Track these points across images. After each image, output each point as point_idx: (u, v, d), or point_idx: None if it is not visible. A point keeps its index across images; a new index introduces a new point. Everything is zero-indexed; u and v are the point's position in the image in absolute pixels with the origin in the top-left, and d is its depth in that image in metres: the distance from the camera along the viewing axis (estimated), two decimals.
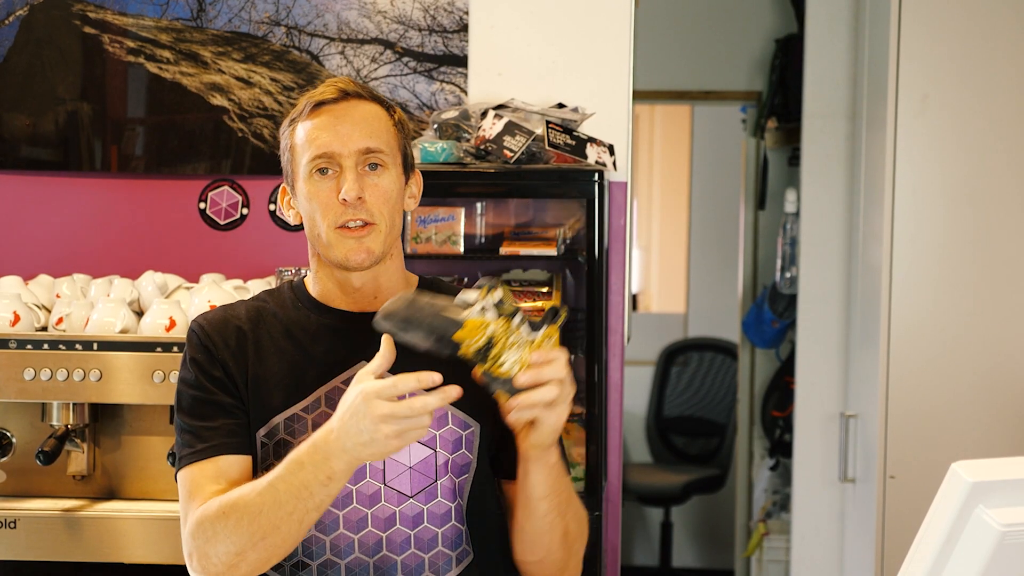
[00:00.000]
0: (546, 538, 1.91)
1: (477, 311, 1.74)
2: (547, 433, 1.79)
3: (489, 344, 1.73)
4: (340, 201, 1.88)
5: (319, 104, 1.92)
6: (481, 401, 1.91)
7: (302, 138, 1.92)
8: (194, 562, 1.84)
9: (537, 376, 1.73)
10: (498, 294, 1.75)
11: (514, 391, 1.74)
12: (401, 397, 1.71)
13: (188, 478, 1.88)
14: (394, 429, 1.69)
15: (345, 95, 1.93)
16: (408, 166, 1.99)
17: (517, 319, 1.75)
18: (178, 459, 1.91)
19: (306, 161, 1.91)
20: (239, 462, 1.90)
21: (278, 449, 1.90)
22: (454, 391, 1.72)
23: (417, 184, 2.02)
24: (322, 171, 1.90)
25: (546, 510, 1.88)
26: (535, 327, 1.76)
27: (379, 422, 1.69)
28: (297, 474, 1.75)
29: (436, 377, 1.70)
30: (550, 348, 1.76)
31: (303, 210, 1.94)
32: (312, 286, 2.00)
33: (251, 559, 1.79)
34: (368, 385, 1.71)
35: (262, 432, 1.92)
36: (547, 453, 1.83)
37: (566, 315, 1.78)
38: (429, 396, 1.70)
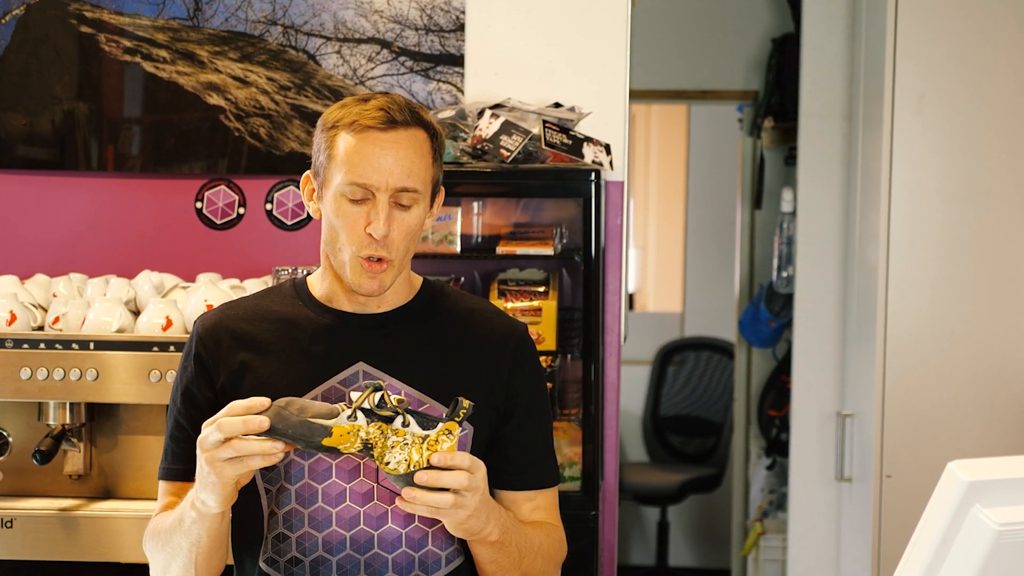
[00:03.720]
0: None
1: (345, 418, 1.73)
2: (453, 529, 1.81)
3: (368, 447, 1.74)
4: (366, 234, 1.89)
5: (367, 127, 1.90)
6: (478, 407, 1.91)
7: (341, 154, 1.90)
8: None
9: (436, 480, 1.74)
10: (376, 398, 1.74)
11: (412, 484, 1.74)
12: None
13: (160, 487, 2.03)
14: (222, 454, 1.74)
15: (393, 124, 1.90)
16: (435, 191, 1.99)
17: (398, 421, 1.74)
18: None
19: (340, 180, 1.90)
20: None
21: None
22: (259, 402, 1.75)
23: (438, 202, 2.01)
24: (354, 196, 1.90)
25: (493, 570, 1.93)
26: (429, 423, 1.76)
27: (205, 450, 1.75)
28: (180, 512, 1.87)
29: (264, 401, 1.75)
30: (451, 445, 1.75)
31: (326, 219, 1.94)
32: (316, 285, 2.02)
33: None
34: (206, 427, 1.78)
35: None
36: (475, 536, 1.85)
37: (469, 408, 1.78)
38: (258, 416, 1.74)
